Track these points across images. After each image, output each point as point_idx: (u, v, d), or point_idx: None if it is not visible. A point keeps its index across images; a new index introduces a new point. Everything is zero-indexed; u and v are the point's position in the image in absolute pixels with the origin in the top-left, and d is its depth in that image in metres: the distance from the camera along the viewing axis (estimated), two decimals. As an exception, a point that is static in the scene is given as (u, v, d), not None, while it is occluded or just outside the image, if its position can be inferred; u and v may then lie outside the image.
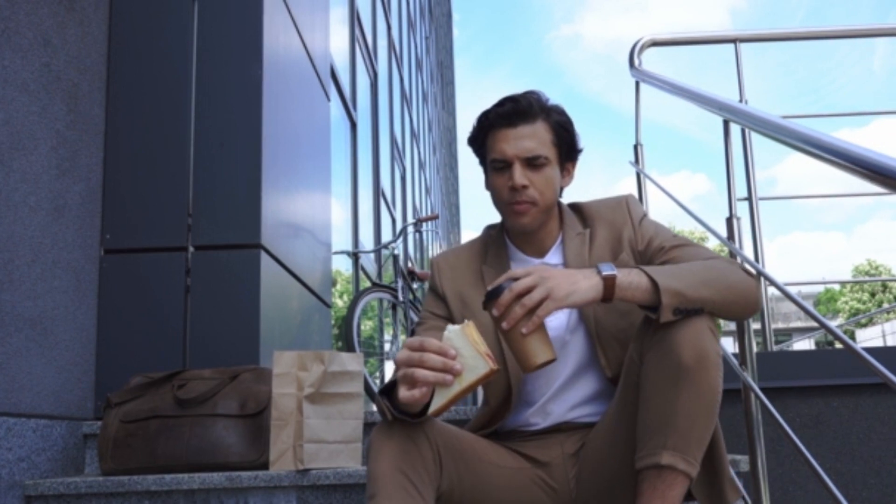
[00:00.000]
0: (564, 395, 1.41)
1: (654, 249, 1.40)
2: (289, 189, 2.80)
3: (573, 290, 1.17)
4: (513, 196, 1.38)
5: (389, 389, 1.22)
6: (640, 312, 1.31)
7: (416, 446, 1.21)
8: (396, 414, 1.21)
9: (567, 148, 1.44)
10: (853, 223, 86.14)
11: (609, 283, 1.18)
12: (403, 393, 1.13)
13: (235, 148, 2.42)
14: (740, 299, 1.23)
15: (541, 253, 1.47)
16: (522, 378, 1.41)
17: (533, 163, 1.38)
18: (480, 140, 1.46)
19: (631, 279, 1.19)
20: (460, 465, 1.28)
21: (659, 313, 1.17)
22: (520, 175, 1.37)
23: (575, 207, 1.52)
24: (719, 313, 1.22)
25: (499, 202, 1.44)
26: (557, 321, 1.40)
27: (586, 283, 1.18)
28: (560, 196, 1.49)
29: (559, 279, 1.17)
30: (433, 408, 1.14)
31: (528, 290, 1.16)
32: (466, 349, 1.13)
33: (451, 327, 1.16)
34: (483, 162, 1.49)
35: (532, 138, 1.38)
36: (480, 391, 1.48)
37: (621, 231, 1.45)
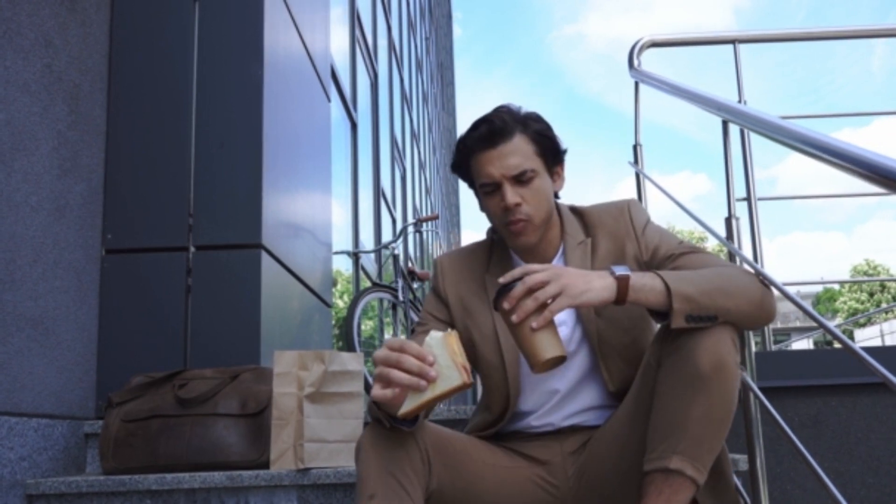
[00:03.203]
0: (566, 406, 1.41)
1: (662, 258, 1.39)
2: (289, 189, 2.81)
3: (587, 288, 1.17)
4: (507, 216, 1.37)
5: None
6: (644, 328, 1.30)
7: (402, 448, 1.21)
8: (392, 423, 1.20)
9: (551, 154, 1.42)
10: (853, 223, 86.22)
11: (623, 283, 1.18)
12: (376, 391, 1.12)
13: (236, 148, 2.43)
14: (756, 309, 1.21)
15: (543, 263, 1.46)
16: (522, 389, 1.41)
17: (521, 179, 1.36)
18: (464, 167, 1.44)
19: (644, 281, 1.19)
20: (450, 466, 1.29)
21: (670, 319, 1.16)
22: (511, 194, 1.35)
23: (576, 212, 1.50)
24: (735, 322, 1.20)
25: (495, 223, 1.43)
26: (563, 333, 1.38)
27: (600, 283, 1.18)
28: (556, 199, 1.47)
29: (574, 277, 1.18)
30: (402, 410, 1.14)
31: (542, 285, 1.17)
32: (444, 358, 1.12)
33: (433, 333, 1.16)
34: (472, 186, 1.47)
35: (515, 154, 1.36)
36: (480, 395, 1.48)
37: (624, 243, 1.43)
